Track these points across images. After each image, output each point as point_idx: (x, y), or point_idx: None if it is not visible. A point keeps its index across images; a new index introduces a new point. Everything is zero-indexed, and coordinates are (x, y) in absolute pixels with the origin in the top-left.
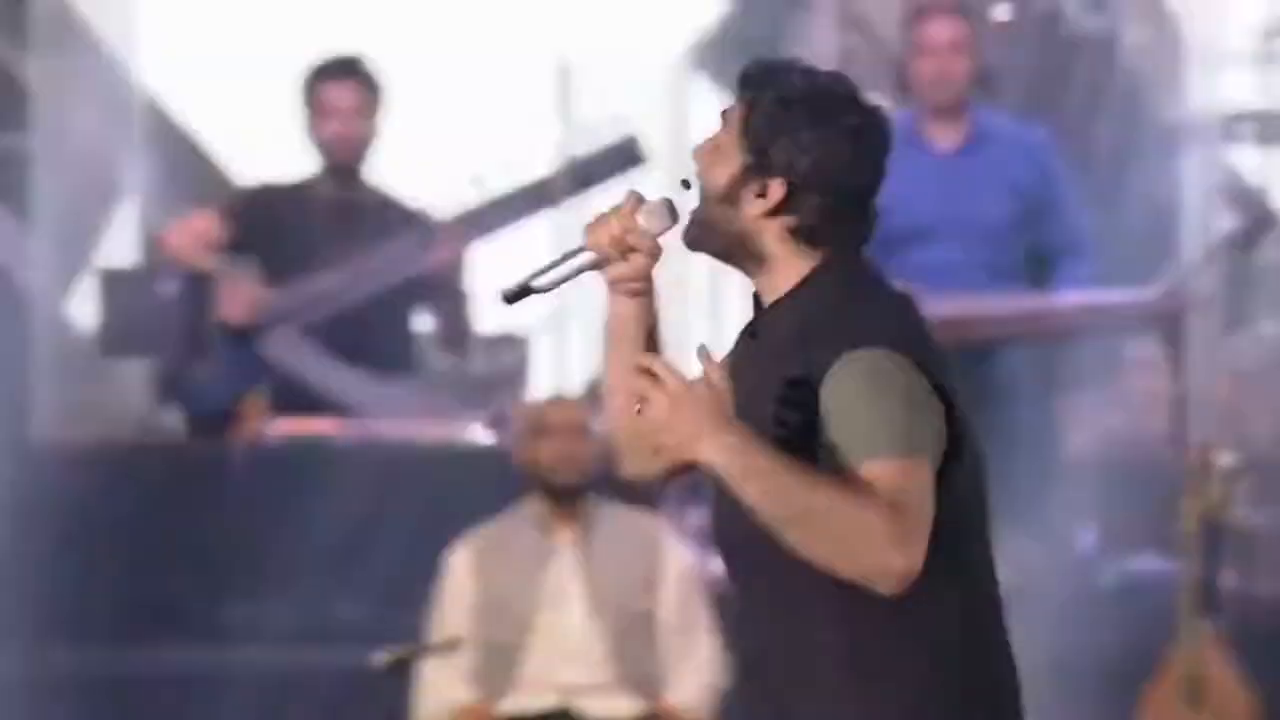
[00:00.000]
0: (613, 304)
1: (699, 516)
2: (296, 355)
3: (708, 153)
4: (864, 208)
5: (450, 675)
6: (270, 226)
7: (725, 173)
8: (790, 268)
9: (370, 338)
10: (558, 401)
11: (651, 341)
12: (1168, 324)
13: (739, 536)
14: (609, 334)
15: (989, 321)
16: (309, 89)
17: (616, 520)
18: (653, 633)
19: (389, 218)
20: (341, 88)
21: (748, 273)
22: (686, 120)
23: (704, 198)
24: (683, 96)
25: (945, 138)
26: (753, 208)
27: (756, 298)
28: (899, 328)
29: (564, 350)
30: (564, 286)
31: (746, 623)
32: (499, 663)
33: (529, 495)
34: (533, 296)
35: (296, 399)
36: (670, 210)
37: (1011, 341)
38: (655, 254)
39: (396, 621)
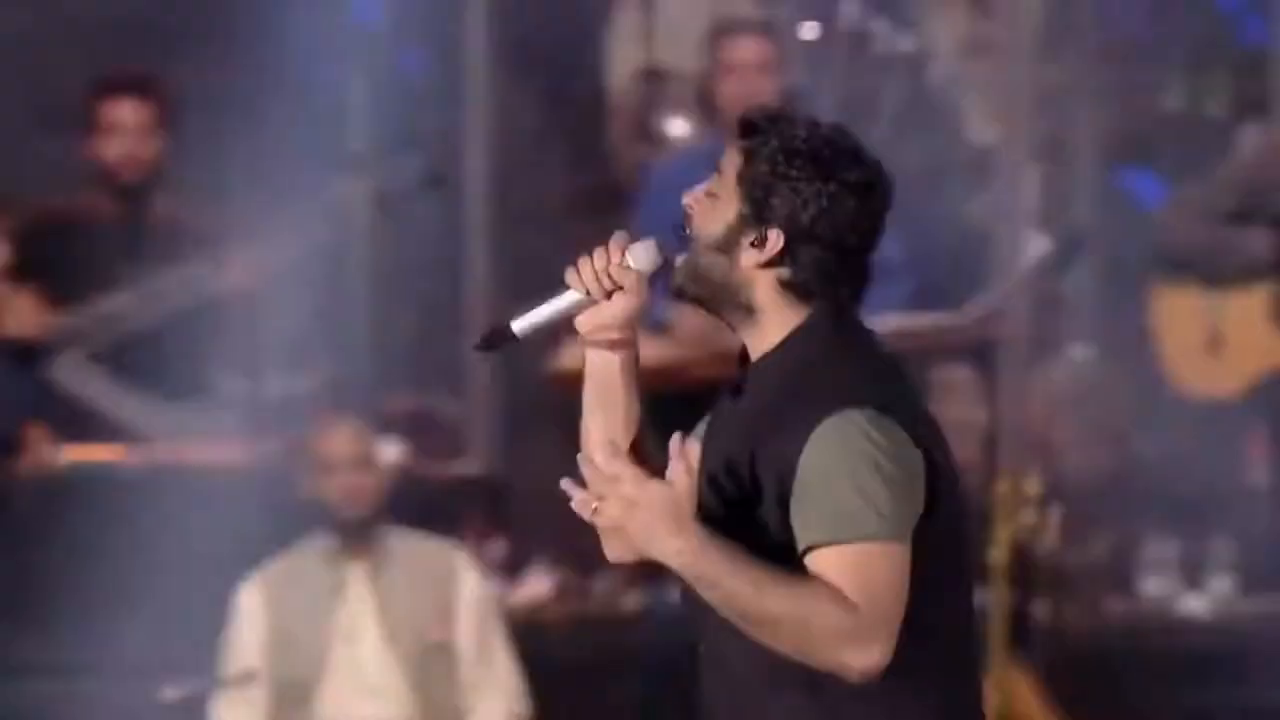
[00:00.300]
0: (591, 357)
1: (499, 546)
2: (83, 379)
3: (703, 199)
4: (860, 264)
5: (244, 711)
6: (54, 247)
7: (721, 220)
8: (779, 321)
9: (160, 361)
10: (341, 432)
11: (631, 400)
12: (979, 349)
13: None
14: (587, 391)
15: None
16: (89, 105)
17: (410, 550)
18: (451, 664)
19: (179, 239)
20: (127, 104)
21: (735, 325)
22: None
23: (696, 245)
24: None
25: None
26: (748, 257)
27: (743, 353)
28: (884, 386)
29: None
30: (544, 330)
31: (715, 685)
32: (294, 698)
33: (320, 526)
34: (511, 342)
35: (83, 425)
36: (658, 251)
37: None
38: (640, 296)
39: (188, 654)
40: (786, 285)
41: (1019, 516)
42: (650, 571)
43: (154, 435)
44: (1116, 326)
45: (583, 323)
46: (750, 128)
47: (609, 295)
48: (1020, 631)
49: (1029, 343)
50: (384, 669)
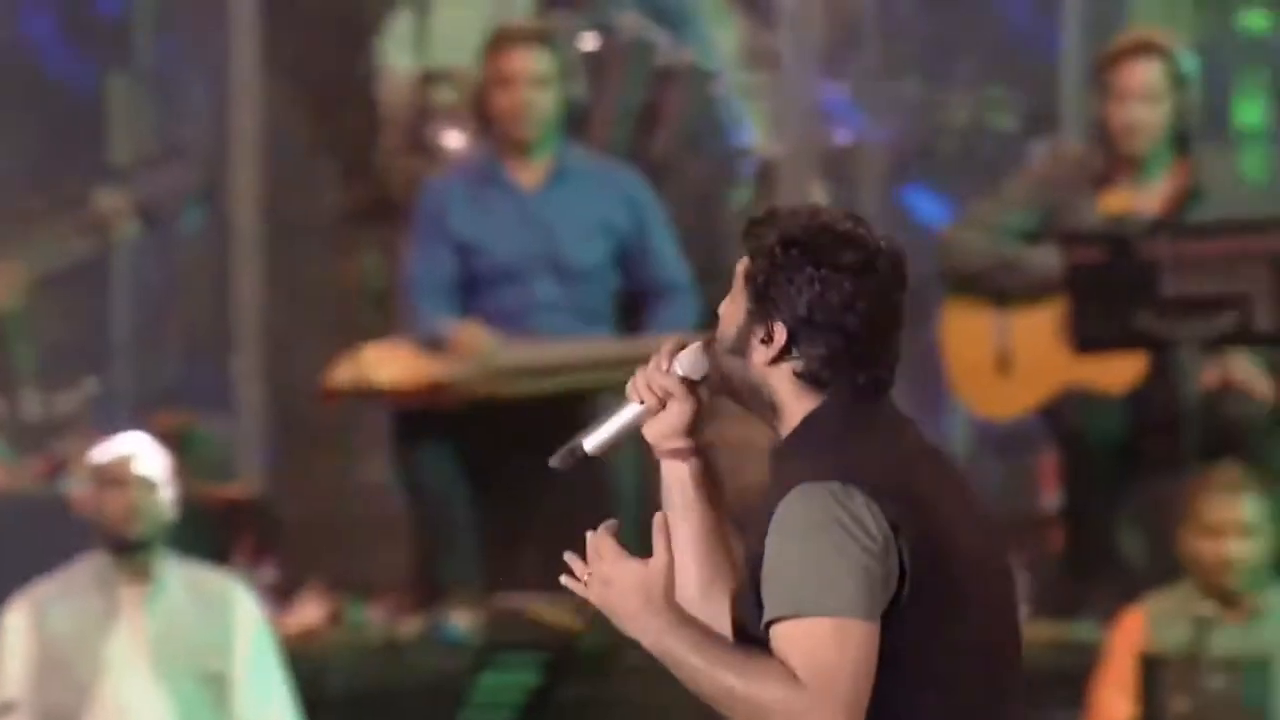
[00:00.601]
0: (665, 469)
1: (270, 571)
2: None
3: (725, 305)
4: (872, 347)
5: None
6: None
7: (734, 322)
8: (801, 413)
9: None
10: (123, 450)
11: (711, 508)
12: None
13: None
14: (667, 502)
15: (577, 365)
16: None
17: (186, 577)
18: (226, 695)
19: None
20: None
21: (768, 422)
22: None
23: (721, 350)
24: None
25: (527, 174)
26: (758, 355)
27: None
28: (860, 457)
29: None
30: (615, 445)
31: None
32: None
33: (92, 549)
34: (583, 458)
35: None
36: (704, 355)
37: (602, 387)
38: (689, 403)
39: None
40: (800, 376)
41: None
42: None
43: None
44: (904, 346)
45: (647, 434)
46: (756, 227)
47: (663, 404)
48: None
49: None
50: (154, 700)
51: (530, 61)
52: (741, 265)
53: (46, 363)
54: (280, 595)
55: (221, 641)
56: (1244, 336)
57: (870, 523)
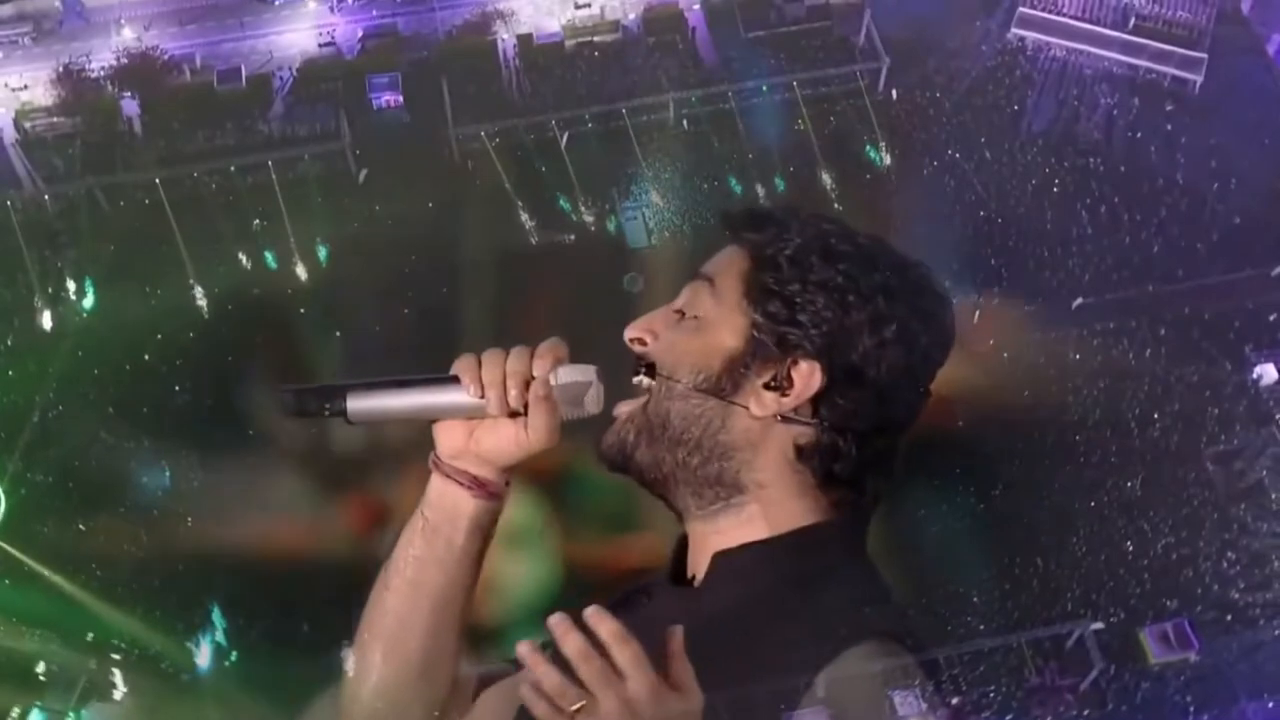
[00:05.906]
0: (440, 496)
1: None
2: None
3: (668, 323)
4: (897, 437)
5: None
6: None
7: (720, 349)
8: (783, 505)
9: None
10: None
11: (476, 567)
12: None
13: None
14: (412, 544)
15: None
16: None
17: None
18: None
19: None
20: None
21: (689, 505)
22: None
23: (664, 387)
24: None
25: None
26: (761, 402)
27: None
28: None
29: None
30: (385, 420)
31: None
32: None
33: None
34: (333, 416)
35: None
36: (597, 381)
37: None
38: (550, 430)
39: None
40: (805, 452)
41: None
42: None
43: None
44: None
45: (450, 440)
46: (749, 223)
47: (511, 414)
48: None
49: None
50: None
51: None
52: (733, 270)
53: None
54: None
55: None
56: None
57: None
